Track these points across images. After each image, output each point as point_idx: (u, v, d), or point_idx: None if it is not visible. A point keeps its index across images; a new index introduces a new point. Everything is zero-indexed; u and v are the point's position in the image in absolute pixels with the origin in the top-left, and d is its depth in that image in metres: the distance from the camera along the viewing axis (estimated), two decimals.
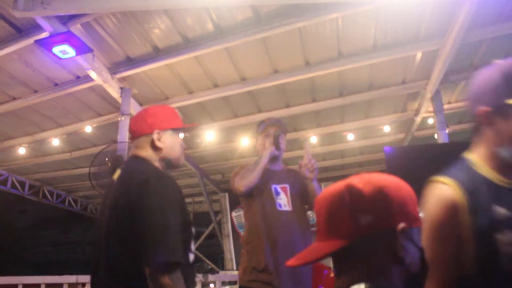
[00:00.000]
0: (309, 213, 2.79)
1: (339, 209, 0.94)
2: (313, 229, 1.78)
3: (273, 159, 2.78)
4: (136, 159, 1.74)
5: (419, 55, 4.56)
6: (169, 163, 1.79)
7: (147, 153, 1.74)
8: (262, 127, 2.86)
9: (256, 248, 2.59)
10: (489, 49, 4.47)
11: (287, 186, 2.76)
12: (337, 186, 0.97)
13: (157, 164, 1.73)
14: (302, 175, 2.71)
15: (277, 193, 2.73)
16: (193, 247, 1.69)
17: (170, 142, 1.78)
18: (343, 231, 0.93)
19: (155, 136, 1.73)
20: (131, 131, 1.85)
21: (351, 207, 0.93)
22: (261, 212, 2.65)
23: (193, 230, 1.72)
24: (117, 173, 1.74)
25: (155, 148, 1.74)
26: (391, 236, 0.91)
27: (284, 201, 2.71)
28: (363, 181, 0.96)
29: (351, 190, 0.94)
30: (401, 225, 0.91)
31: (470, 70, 4.84)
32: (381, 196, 0.93)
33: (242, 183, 2.63)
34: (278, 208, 2.67)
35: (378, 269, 0.93)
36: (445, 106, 5.24)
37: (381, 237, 0.91)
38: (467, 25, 3.68)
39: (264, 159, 2.67)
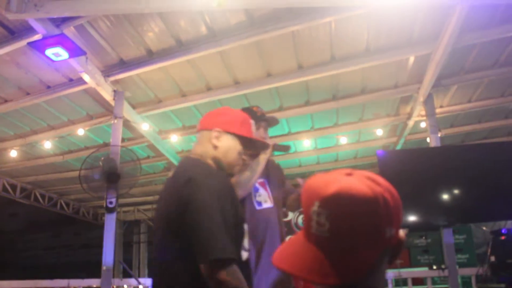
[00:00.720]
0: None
1: (367, 219, 0.82)
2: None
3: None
4: (188, 156, 1.77)
5: (411, 59, 4.59)
6: (221, 166, 1.76)
7: (203, 149, 1.75)
8: (254, 118, 2.44)
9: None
10: (480, 54, 4.51)
11: (264, 180, 2.56)
12: (361, 191, 0.83)
13: (209, 161, 1.73)
14: (276, 168, 2.60)
15: (256, 189, 2.52)
16: (246, 244, 1.68)
17: (227, 145, 1.76)
18: (362, 245, 0.83)
19: (214, 133, 1.74)
20: (199, 124, 1.84)
21: (382, 218, 0.83)
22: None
23: (245, 227, 1.70)
24: (172, 171, 1.76)
25: (212, 145, 1.74)
26: (400, 246, 0.89)
27: (264, 197, 2.51)
28: (383, 186, 0.85)
29: (382, 199, 0.83)
30: (402, 232, 0.89)
31: (461, 74, 4.89)
32: (399, 204, 0.87)
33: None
34: (257, 207, 2.46)
35: (379, 275, 0.91)
36: (437, 110, 5.28)
37: (388, 243, 0.87)
38: (459, 30, 3.72)
39: (263, 165, 2.45)
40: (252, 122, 1.99)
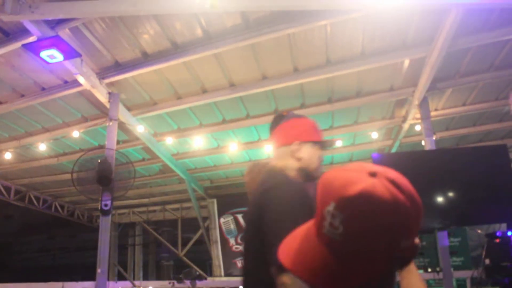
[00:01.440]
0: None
1: (384, 230, 0.78)
2: None
3: None
4: (270, 169, 1.81)
5: (406, 62, 4.61)
6: (307, 174, 1.83)
7: (285, 163, 1.81)
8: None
9: None
10: (475, 57, 4.53)
11: None
12: (382, 199, 0.76)
13: (293, 173, 1.78)
14: None
15: None
16: None
17: (309, 154, 1.85)
18: (375, 254, 0.80)
19: (294, 147, 1.81)
20: (273, 141, 1.91)
21: (400, 229, 0.79)
22: None
23: None
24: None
25: (294, 158, 1.81)
26: (414, 253, 0.86)
27: None
28: (406, 194, 0.80)
29: (404, 210, 0.78)
30: (417, 240, 0.86)
31: (456, 78, 4.90)
32: (420, 213, 0.82)
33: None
34: None
35: (389, 281, 0.90)
36: (432, 113, 5.30)
37: (403, 253, 0.83)
38: (453, 34, 3.73)
39: None
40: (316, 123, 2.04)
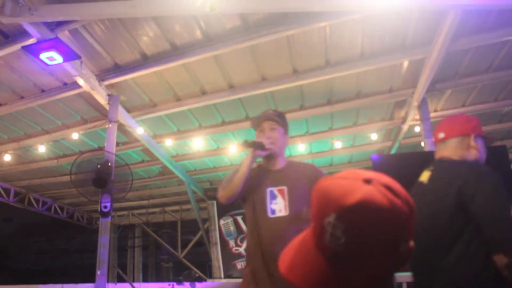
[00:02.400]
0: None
1: (385, 236, 0.79)
2: None
3: (269, 157, 2.48)
4: (451, 160, 2.01)
5: (405, 63, 4.61)
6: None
7: (460, 153, 2.01)
8: (256, 122, 2.56)
9: (250, 261, 2.44)
10: (474, 58, 4.54)
11: (284, 188, 2.43)
12: (380, 206, 0.78)
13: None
14: (310, 169, 2.48)
15: (273, 197, 2.42)
16: None
17: (481, 147, 2.04)
18: (377, 260, 0.81)
19: (471, 139, 2.01)
20: (443, 131, 2.12)
21: (399, 234, 0.81)
22: (252, 221, 2.43)
23: None
24: (425, 175, 2.10)
25: (467, 150, 2.01)
26: (410, 255, 0.87)
27: (279, 206, 2.40)
28: (402, 198, 0.81)
29: (401, 215, 0.80)
30: (412, 243, 0.86)
31: (456, 79, 4.91)
32: (415, 216, 0.84)
33: (222, 194, 2.42)
34: (270, 215, 2.38)
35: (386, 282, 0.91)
36: (432, 114, 5.30)
37: (401, 256, 0.85)
38: (452, 35, 3.74)
39: (244, 168, 2.37)
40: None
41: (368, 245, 0.79)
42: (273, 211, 2.39)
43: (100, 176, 4.24)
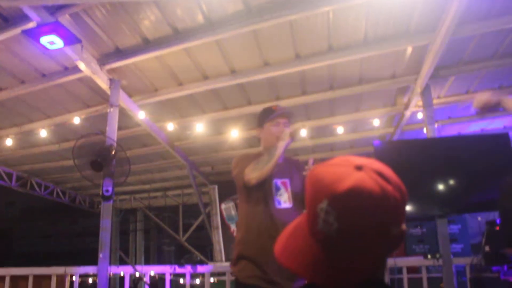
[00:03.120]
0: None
1: (377, 221, 0.81)
2: None
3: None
4: None
5: (409, 49, 4.57)
6: None
7: None
8: (272, 116, 2.68)
9: (255, 245, 2.50)
10: (478, 45, 4.49)
11: (287, 180, 2.63)
12: (372, 192, 0.80)
13: None
14: (302, 166, 2.59)
15: (277, 189, 2.60)
16: None
17: None
18: (369, 245, 0.83)
19: None
20: None
21: (391, 218, 0.83)
22: (260, 209, 2.53)
23: None
24: None
25: None
26: (402, 239, 0.89)
27: (284, 197, 2.58)
28: (393, 184, 0.83)
29: (392, 199, 0.82)
30: (404, 226, 0.88)
31: (460, 65, 4.87)
32: (406, 200, 0.86)
33: (254, 176, 2.47)
34: (277, 205, 2.54)
35: (381, 268, 0.93)
36: (435, 101, 5.27)
37: (393, 240, 0.87)
38: (457, 20, 3.69)
39: (280, 150, 2.50)
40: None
41: (360, 230, 0.80)
42: (279, 202, 2.55)
43: (101, 160, 4.24)
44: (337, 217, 0.80)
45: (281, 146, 2.51)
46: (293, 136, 2.57)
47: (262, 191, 2.55)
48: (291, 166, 2.68)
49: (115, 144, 4.44)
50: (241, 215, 2.72)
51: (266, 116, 2.72)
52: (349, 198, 0.79)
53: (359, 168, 0.83)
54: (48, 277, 5.12)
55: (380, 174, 0.83)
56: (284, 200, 2.57)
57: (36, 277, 5.14)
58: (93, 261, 4.60)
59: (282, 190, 2.60)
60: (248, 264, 2.52)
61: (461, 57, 4.76)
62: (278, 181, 2.60)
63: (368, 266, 0.84)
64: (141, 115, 5.54)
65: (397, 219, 0.84)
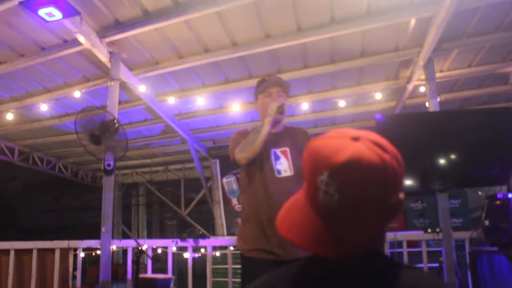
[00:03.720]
0: None
1: (376, 189, 0.82)
2: None
3: (275, 121, 2.59)
4: None
5: (412, 21, 4.50)
6: None
7: None
8: (263, 86, 2.67)
9: (256, 218, 2.52)
10: (483, 17, 4.42)
11: (287, 149, 2.62)
12: (371, 161, 0.81)
13: None
14: (302, 133, 2.62)
15: (277, 158, 2.60)
16: None
17: None
18: (369, 214, 0.84)
19: None
20: None
21: (390, 186, 0.84)
22: (260, 180, 2.55)
23: None
24: None
25: None
26: (399, 208, 0.90)
27: (284, 166, 2.58)
28: (390, 153, 0.84)
29: (390, 168, 0.83)
30: (402, 195, 0.89)
31: (463, 38, 4.81)
32: (403, 169, 0.87)
33: (243, 156, 2.50)
34: (277, 174, 2.55)
35: (381, 238, 0.94)
36: (437, 75, 5.22)
37: (391, 209, 0.88)
38: None
39: (266, 129, 2.48)
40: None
41: (360, 200, 0.81)
42: (279, 171, 2.56)
43: (102, 134, 4.23)
44: (338, 188, 0.81)
45: (267, 122, 2.50)
46: (281, 110, 2.53)
47: (261, 162, 2.56)
48: (291, 134, 2.67)
49: (116, 118, 4.42)
50: (241, 189, 2.75)
51: (258, 88, 2.71)
52: (349, 168, 0.80)
53: (355, 139, 0.85)
54: (52, 250, 5.17)
55: (376, 144, 0.84)
56: (284, 169, 2.57)
57: (40, 251, 5.19)
58: (96, 235, 4.65)
59: (282, 159, 2.60)
60: (250, 237, 2.54)
61: (464, 30, 4.70)
62: (277, 151, 2.60)
63: (368, 236, 0.86)
64: (141, 89, 5.51)
65: (395, 188, 0.85)
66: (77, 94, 5.64)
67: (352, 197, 0.81)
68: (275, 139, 2.61)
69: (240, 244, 2.61)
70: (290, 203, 0.96)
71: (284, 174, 2.56)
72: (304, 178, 0.91)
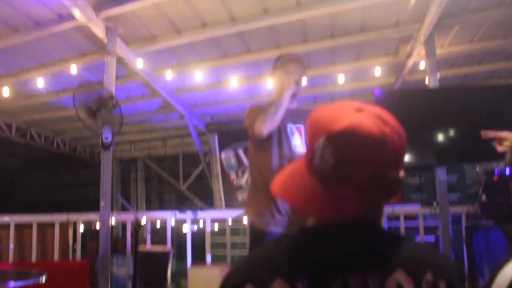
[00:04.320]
0: None
1: (372, 160, 0.83)
2: None
3: (292, 96, 2.71)
4: None
5: None
6: None
7: None
8: (281, 61, 2.77)
9: (267, 190, 2.50)
10: None
11: (301, 126, 2.74)
12: (369, 131, 0.82)
13: None
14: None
15: (292, 133, 2.70)
16: None
17: None
18: (365, 184, 0.84)
19: None
20: None
21: (387, 160, 0.85)
22: (275, 153, 2.63)
23: None
24: None
25: None
26: (399, 185, 0.90)
27: (298, 142, 2.69)
28: (392, 127, 0.85)
29: (390, 142, 0.83)
30: (402, 173, 0.90)
31: (465, 14, 4.74)
32: (405, 146, 0.88)
33: (264, 127, 2.55)
34: (292, 148, 2.66)
35: (378, 211, 0.95)
36: (438, 51, 5.16)
37: (390, 185, 0.89)
38: None
39: (285, 101, 2.60)
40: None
41: (354, 168, 0.83)
42: (294, 146, 2.68)
43: (99, 109, 4.21)
44: (333, 154, 0.83)
45: (286, 94, 2.60)
46: (298, 84, 2.66)
47: (277, 136, 2.64)
48: (304, 114, 2.72)
49: (113, 93, 4.40)
50: (253, 162, 2.79)
51: (276, 63, 2.81)
52: (345, 135, 0.82)
53: (358, 110, 0.86)
54: (52, 224, 5.22)
55: (379, 117, 0.85)
56: (298, 145, 2.68)
57: (40, 225, 5.24)
58: (96, 210, 4.67)
59: (297, 135, 2.70)
60: (261, 209, 2.61)
61: (466, 6, 4.62)
62: (293, 126, 2.71)
63: (363, 205, 0.86)
64: (139, 64, 5.45)
65: (394, 163, 0.86)
66: (73, 69, 5.58)
67: (347, 164, 0.83)
68: (291, 115, 2.71)
69: (250, 216, 2.68)
70: (290, 169, 0.97)
71: (298, 150, 2.66)
72: (305, 144, 0.93)
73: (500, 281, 0.87)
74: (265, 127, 2.54)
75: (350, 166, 0.83)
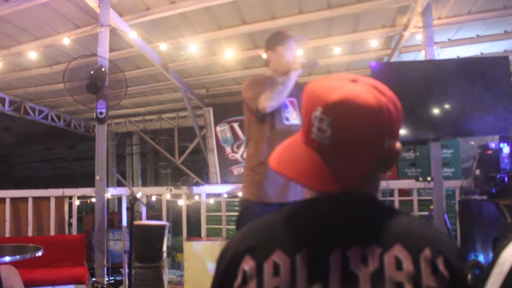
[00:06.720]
0: None
1: (369, 129, 0.84)
2: None
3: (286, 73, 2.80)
4: None
5: None
6: None
7: None
8: (284, 40, 2.86)
9: (262, 165, 2.65)
10: None
11: (294, 99, 2.84)
12: (366, 100, 0.82)
13: None
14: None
15: (285, 107, 2.79)
16: None
17: None
18: (362, 154, 0.85)
19: None
20: None
21: (384, 129, 0.85)
22: (269, 127, 2.72)
23: None
24: None
25: None
26: (395, 157, 0.91)
27: (292, 115, 2.80)
28: (387, 97, 0.86)
29: (386, 110, 0.84)
30: (399, 144, 0.91)
31: None
32: (401, 116, 0.89)
33: (269, 104, 2.64)
34: (285, 121, 2.74)
35: (375, 183, 0.95)
36: (435, 22, 5.10)
37: (386, 155, 0.89)
38: None
39: (293, 80, 2.72)
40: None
41: (352, 138, 0.83)
42: (287, 119, 2.77)
43: (94, 82, 4.17)
44: (331, 124, 0.83)
45: (294, 76, 2.72)
46: (304, 66, 2.79)
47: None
48: (299, 88, 2.78)
49: (107, 64, 4.34)
50: (250, 136, 2.85)
51: (279, 39, 2.87)
52: (342, 105, 0.82)
53: (354, 81, 0.87)
54: (47, 198, 5.22)
55: (375, 87, 0.86)
56: (292, 118, 2.78)
57: (36, 199, 5.24)
58: (92, 184, 4.68)
59: (290, 108, 2.81)
60: (258, 183, 2.67)
61: None
62: (286, 100, 2.77)
63: (360, 177, 0.86)
64: (132, 35, 5.36)
65: (390, 132, 0.87)
66: (66, 41, 5.49)
67: (344, 134, 0.83)
68: None
69: (246, 191, 2.74)
70: (287, 142, 0.97)
71: (292, 122, 2.77)
72: (302, 116, 0.93)
73: (504, 260, 0.87)
74: (271, 104, 2.64)
75: (347, 136, 0.83)
